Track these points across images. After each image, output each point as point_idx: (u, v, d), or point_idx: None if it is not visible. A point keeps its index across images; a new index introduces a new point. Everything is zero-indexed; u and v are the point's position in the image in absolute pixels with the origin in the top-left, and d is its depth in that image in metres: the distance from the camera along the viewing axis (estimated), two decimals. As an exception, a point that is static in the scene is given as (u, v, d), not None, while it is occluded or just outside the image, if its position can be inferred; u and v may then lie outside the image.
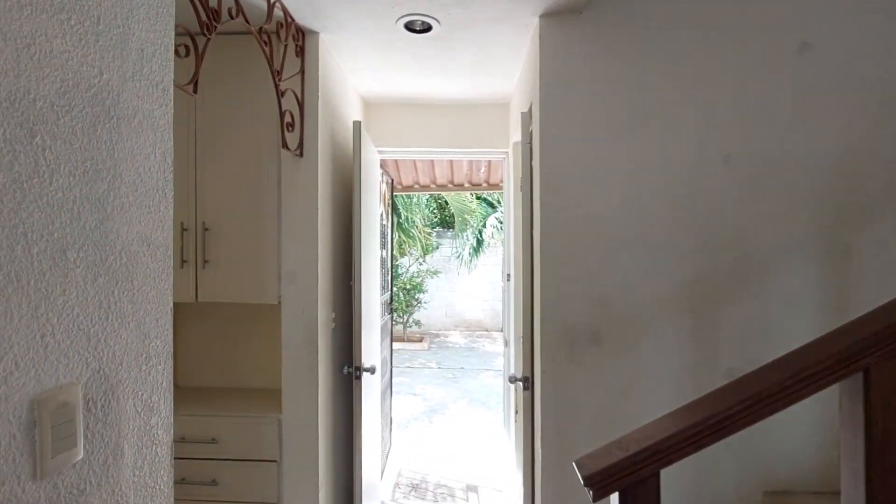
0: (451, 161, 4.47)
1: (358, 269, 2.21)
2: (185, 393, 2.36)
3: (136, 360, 0.88)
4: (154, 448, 0.92)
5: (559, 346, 1.88)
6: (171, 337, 0.98)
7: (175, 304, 2.38)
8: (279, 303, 2.05)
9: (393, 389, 5.78)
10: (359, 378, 2.19)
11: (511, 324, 2.98)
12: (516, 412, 2.65)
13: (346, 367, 2.25)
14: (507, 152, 3.12)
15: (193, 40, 1.23)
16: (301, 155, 2.04)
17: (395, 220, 8.12)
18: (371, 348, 2.50)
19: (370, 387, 2.45)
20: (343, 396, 2.42)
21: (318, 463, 2.03)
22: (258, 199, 2.06)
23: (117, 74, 0.83)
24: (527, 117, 2.08)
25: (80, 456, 0.74)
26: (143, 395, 0.89)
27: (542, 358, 1.90)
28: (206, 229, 2.04)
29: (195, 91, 1.22)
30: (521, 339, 2.15)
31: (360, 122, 2.22)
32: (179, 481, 2.00)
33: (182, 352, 2.45)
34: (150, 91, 0.91)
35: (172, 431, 0.98)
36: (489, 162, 4.54)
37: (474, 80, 2.69)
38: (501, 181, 3.95)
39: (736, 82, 1.85)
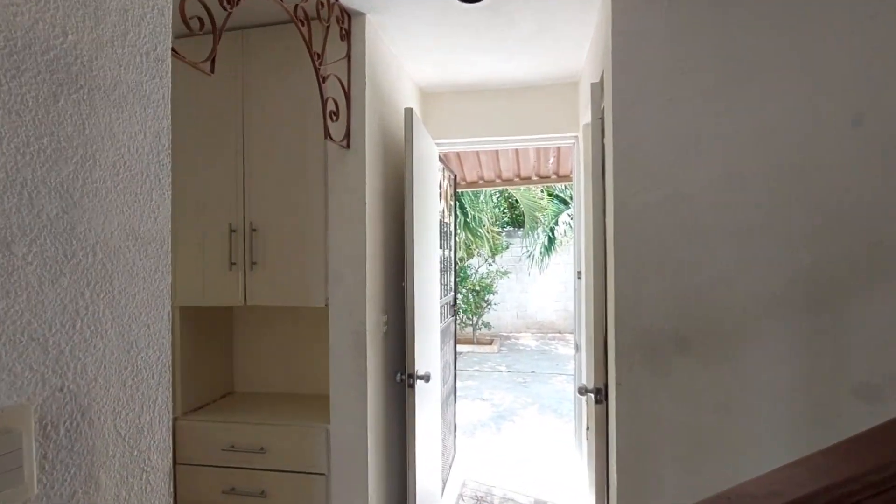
0: (517, 152, 4.21)
1: (410, 268, 2.04)
2: (239, 399, 2.32)
3: (119, 375, 0.75)
4: (144, 476, 0.79)
5: (638, 353, 1.59)
6: (168, 346, 0.84)
7: (226, 308, 2.38)
8: (326, 305, 1.92)
9: (461, 394, 5.62)
10: (412, 386, 2.02)
11: (582, 326, 2.69)
12: (588, 428, 2.36)
13: (399, 375, 2.09)
14: (576, 136, 2.83)
15: (210, 14, 1.11)
16: (348, 146, 1.90)
17: (462, 219, 7.95)
18: (427, 354, 2.33)
19: (426, 395, 2.28)
20: (397, 405, 2.26)
21: (368, 477, 1.89)
22: (305, 195, 1.96)
23: (89, 37, 0.70)
24: (597, 89, 1.81)
25: (34, 492, 0.61)
26: (128, 414, 0.76)
27: (617, 367, 1.62)
28: (254, 230, 1.97)
29: (212, 70, 1.10)
30: (594, 345, 1.88)
31: (411, 109, 2.06)
32: (229, 491, 1.94)
33: (238, 356, 2.42)
34: (136, 60, 0.78)
35: (171, 455, 0.85)
36: (558, 151, 4.23)
37: (538, 57, 2.43)
38: (572, 172, 3.64)
39: (866, 23, 1.46)
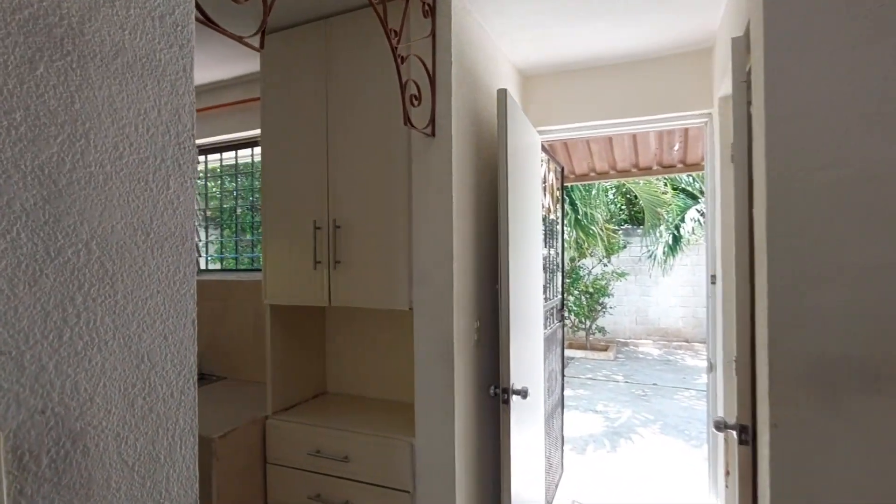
0: (634, 138, 3.74)
1: (505, 270, 1.81)
2: (329, 400, 2.28)
3: (125, 394, 0.63)
4: (159, 512, 0.67)
5: (804, 386, 1.19)
6: (193, 359, 0.72)
7: (318, 308, 2.35)
8: (411, 309, 1.77)
9: (571, 403, 5.22)
10: (507, 402, 1.79)
11: (717, 341, 2.23)
12: (727, 473, 1.92)
13: (492, 388, 1.87)
14: (709, 114, 2.37)
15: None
16: (432, 134, 1.74)
17: (572, 215, 7.48)
18: (526, 365, 2.08)
19: (525, 410, 2.03)
20: (491, 420, 2.05)
21: (456, 499, 1.70)
22: (388, 189, 1.83)
23: (80, -5, 0.59)
24: (741, 43, 1.42)
25: (2, 537, 0.51)
26: (138, 441, 0.65)
27: (772, 402, 1.23)
28: (338, 227, 1.89)
29: (262, 46, 0.99)
30: (735, 367, 1.49)
31: (505, 90, 1.83)
32: (315, 497, 1.88)
33: (330, 356, 2.39)
34: (146, 24, 0.67)
35: (197, 485, 0.73)
36: (685, 134, 3.67)
37: (657, 20, 2.05)
38: (703, 159, 3.11)
39: None
